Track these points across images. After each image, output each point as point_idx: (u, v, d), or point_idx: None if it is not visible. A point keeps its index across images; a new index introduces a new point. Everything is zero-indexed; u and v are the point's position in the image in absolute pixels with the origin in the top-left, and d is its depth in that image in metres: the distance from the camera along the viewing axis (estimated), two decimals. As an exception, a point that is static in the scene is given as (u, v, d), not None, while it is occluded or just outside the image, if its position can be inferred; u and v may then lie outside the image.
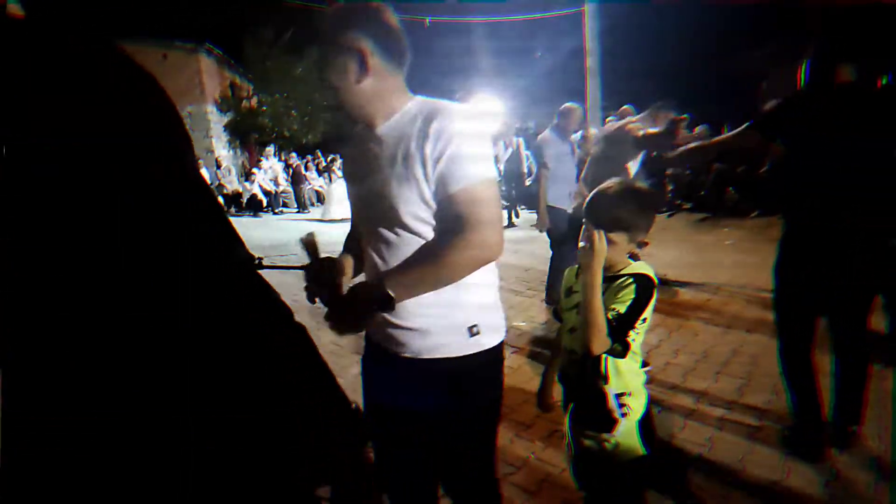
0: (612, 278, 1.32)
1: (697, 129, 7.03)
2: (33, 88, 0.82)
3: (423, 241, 1.12)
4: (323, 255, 1.23)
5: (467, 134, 1.06)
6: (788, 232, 2.01)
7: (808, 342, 2.02)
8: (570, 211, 3.89)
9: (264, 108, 16.28)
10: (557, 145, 4.15)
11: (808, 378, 2.01)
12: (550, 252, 4.21)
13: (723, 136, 2.21)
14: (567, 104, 4.24)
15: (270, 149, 13.84)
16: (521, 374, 3.03)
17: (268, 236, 8.73)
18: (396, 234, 1.13)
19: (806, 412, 2.05)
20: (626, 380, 1.34)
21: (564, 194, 4.00)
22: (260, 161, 13.51)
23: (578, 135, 4.26)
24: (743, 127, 2.03)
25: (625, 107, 4.88)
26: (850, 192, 1.78)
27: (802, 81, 1.96)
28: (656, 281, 1.31)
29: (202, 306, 1.06)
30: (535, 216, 8.38)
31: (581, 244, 1.28)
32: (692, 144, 2.29)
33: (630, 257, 1.36)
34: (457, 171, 1.05)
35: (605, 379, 1.33)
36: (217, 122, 15.30)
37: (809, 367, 2.01)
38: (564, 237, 3.85)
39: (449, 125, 1.06)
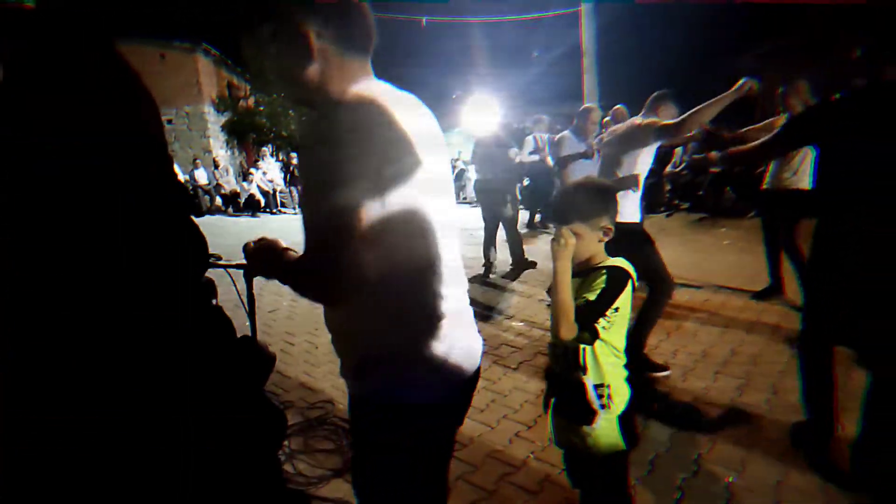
0: (588, 271, 1.39)
1: (693, 131, 6.93)
2: (33, 88, 0.81)
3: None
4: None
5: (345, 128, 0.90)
6: (828, 233, 1.96)
7: (834, 343, 2.01)
8: None
9: (261, 107, 16.24)
10: (575, 146, 4.23)
11: (829, 374, 2.01)
12: None
13: (767, 142, 2.07)
14: (586, 105, 4.34)
15: (266, 149, 13.80)
16: (520, 373, 3.02)
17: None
18: None
19: (819, 410, 2.04)
20: (605, 372, 1.38)
21: None
22: (257, 161, 13.47)
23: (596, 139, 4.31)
24: (779, 132, 2.01)
25: (618, 107, 4.90)
26: (888, 196, 1.74)
27: (842, 84, 1.89)
28: (633, 273, 1.37)
29: (199, 307, 1.06)
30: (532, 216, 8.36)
31: (551, 241, 1.36)
32: (741, 147, 2.24)
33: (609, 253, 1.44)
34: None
35: (584, 370, 1.38)
36: (214, 122, 15.26)
37: (831, 367, 2.01)
38: None
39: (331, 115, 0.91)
